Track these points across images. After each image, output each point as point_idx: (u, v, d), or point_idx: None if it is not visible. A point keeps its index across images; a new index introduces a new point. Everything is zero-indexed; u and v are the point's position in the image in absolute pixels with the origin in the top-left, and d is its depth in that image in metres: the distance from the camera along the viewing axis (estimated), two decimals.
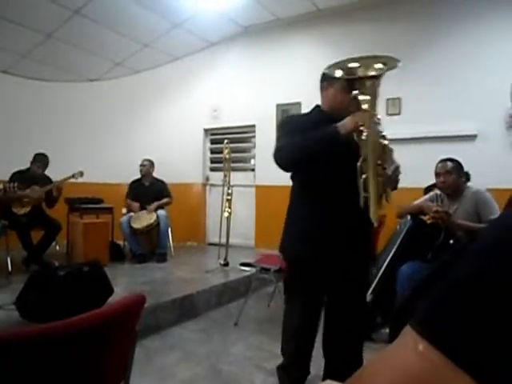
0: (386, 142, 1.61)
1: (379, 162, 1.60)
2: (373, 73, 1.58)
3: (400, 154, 1.84)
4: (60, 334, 0.88)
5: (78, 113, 6.54)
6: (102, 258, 3.90)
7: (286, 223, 1.97)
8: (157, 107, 6.84)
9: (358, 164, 1.61)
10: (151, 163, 5.40)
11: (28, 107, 6.11)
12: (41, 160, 4.48)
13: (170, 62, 6.64)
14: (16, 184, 3.70)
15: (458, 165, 2.78)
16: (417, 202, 3.09)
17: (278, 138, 1.88)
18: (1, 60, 5.70)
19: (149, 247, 5.00)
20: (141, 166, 5.35)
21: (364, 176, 1.60)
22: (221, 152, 5.31)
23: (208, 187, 6.54)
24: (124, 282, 3.86)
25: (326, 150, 1.69)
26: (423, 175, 4.04)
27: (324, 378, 2.05)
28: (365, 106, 1.60)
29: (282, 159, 1.76)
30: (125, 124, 6.80)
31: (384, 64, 1.61)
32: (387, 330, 2.88)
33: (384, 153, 1.62)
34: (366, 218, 1.63)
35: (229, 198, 4.79)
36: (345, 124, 1.64)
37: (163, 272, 4.34)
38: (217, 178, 6.10)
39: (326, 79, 1.89)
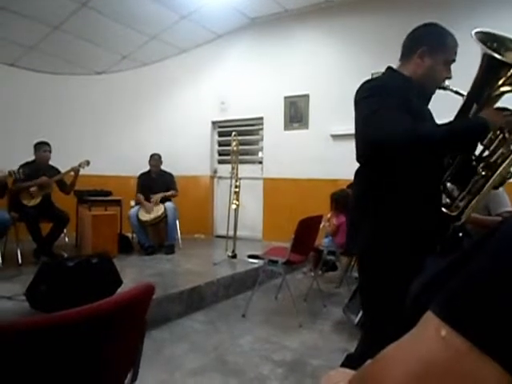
0: None
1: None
2: None
3: None
4: (69, 323, 0.89)
5: (85, 106, 6.55)
6: (110, 249, 3.93)
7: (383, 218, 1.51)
8: (164, 100, 6.84)
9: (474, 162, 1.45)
10: (160, 157, 5.38)
11: (35, 100, 6.14)
12: (43, 146, 4.41)
13: (177, 54, 6.62)
14: (21, 170, 3.67)
15: None
16: None
17: (373, 107, 1.37)
18: (8, 53, 5.72)
19: (157, 239, 5.04)
20: (152, 161, 5.29)
21: (481, 175, 1.43)
22: (228, 144, 5.30)
23: (216, 180, 6.55)
24: (132, 274, 3.88)
25: (472, 145, 1.41)
26: None
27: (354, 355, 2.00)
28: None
29: (410, 138, 1.31)
30: (132, 117, 6.81)
31: None
32: None
33: None
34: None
35: (236, 190, 4.79)
36: (495, 120, 1.33)
37: (171, 264, 4.36)
38: (225, 170, 6.11)
39: (428, 44, 1.52)
